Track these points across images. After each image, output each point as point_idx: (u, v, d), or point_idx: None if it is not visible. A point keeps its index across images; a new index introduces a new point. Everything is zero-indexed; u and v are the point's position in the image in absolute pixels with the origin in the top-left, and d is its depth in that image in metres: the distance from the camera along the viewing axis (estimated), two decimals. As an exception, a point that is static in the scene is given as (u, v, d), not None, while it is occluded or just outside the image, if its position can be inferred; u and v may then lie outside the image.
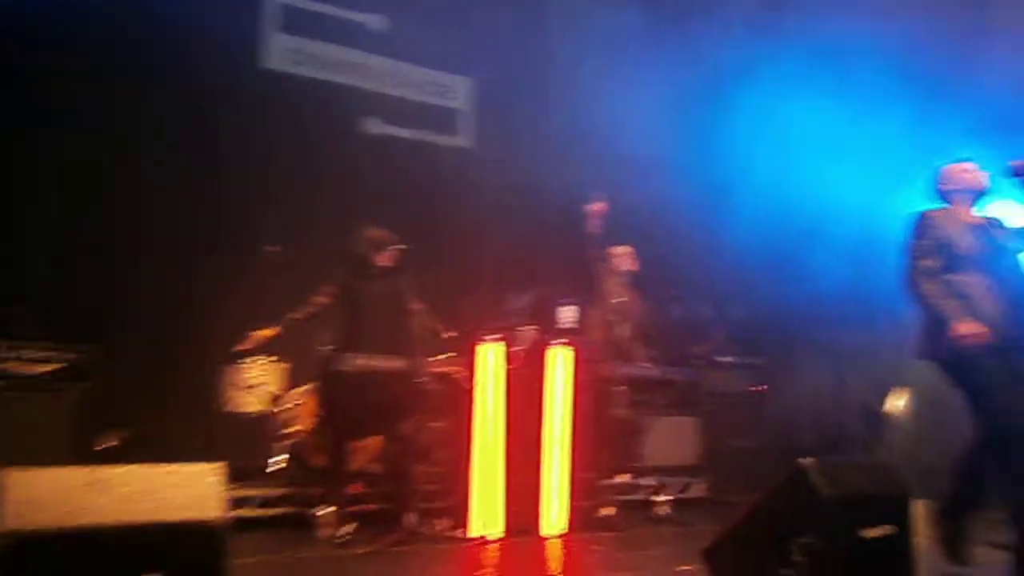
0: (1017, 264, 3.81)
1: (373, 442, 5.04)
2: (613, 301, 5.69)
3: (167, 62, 5.79)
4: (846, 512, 2.80)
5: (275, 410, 5.23)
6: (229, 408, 5.18)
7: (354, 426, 4.72)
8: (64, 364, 4.90)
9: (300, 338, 5.05)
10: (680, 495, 5.99)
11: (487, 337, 4.72)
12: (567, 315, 5.03)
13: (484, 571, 4.02)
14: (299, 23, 6.95)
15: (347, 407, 4.56)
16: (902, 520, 2.96)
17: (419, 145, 7.36)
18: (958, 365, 3.69)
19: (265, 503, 4.83)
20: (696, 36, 6.51)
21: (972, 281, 3.70)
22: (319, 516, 4.47)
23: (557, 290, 5.19)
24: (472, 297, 5.54)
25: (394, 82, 7.40)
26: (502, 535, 4.60)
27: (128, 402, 5.22)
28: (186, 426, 5.13)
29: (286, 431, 5.19)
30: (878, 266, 4.60)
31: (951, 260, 3.74)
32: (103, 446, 4.92)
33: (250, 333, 4.70)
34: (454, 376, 4.78)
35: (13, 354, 4.77)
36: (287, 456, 5.14)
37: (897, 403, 7.15)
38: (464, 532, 4.56)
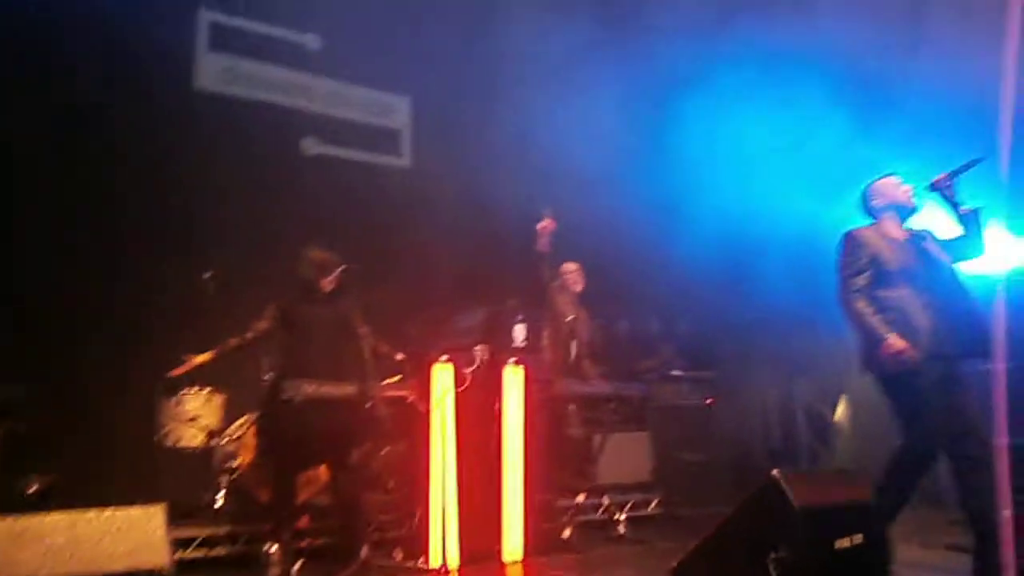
0: (950, 276, 3.84)
1: (321, 473, 4.84)
2: (567, 319, 5.63)
3: (92, 81, 5.54)
4: (819, 523, 2.75)
5: (216, 443, 4.98)
6: (168, 443, 4.92)
7: (301, 457, 4.52)
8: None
9: (239, 366, 4.86)
10: (634, 512, 5.93)
11: (439, 358, 4.59)
12: (520, 333, 4.94)
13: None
14: (232, 42, 6.76)
15: (295, 437, 4.35)
16: (874, 528, 2.93)
17: (360, 165, 7.22)
18: (892, 382, 3.75)
19: (209, 543, 4.57)
20: (640, 52, 6.56)
21: (905, 296, 3.73)
22: (267, 554, 4.24)
23: (508, 308, 5.09)
24: (421, 318, 5.40)
25: (333, 102, 7.26)
26: (460, 564, 4.44)
27: (56, 441, 4.90)
28: (122, 464, 4.86)
29: (228, 465, 4.94)
30: (824, 276, 4.63)
31: (882, 277, 3.77)
32: (31, 490, 4.59)
33: (184, 357, 4.45)
34: (406, 400, 4.62)
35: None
36: (229, 492, 4.89)
37: (843, 412, 7.28)
38: (424, 562, 4.39)
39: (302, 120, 7.02)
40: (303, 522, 4.75)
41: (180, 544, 4.29)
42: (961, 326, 3.63)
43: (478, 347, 4.91)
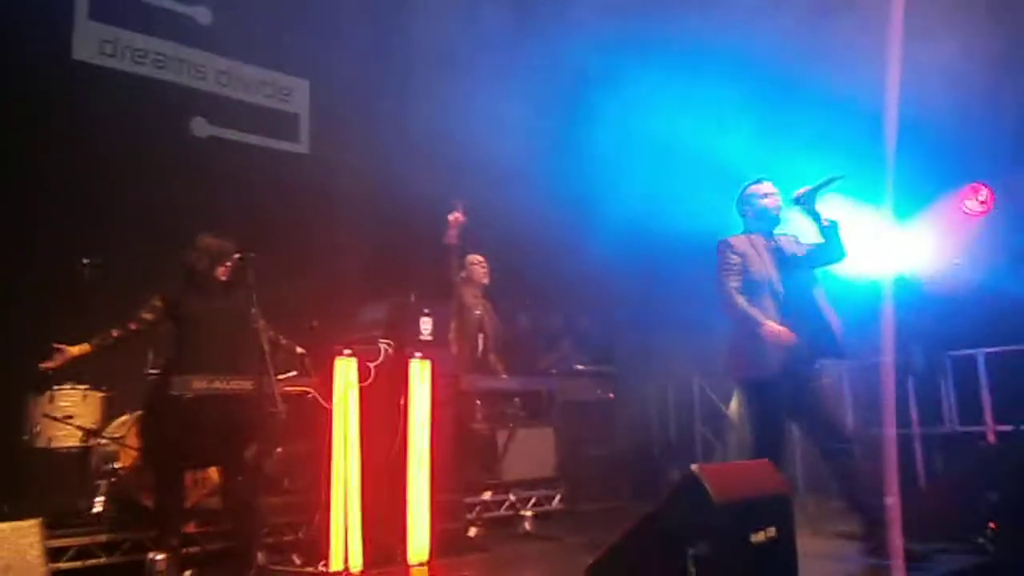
0: (808, 284, 4.10)
1: (212, 474, 4.54)
2: (475, 312, 5.52)
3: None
4: (737, 517, 2.75)
5: (94, 444, 4.59)
6: (39, 443, 4.52)
7: (190, 456, 4.23)
8: None
9: (120, 361, 4.52)
10: (538, 508, 5.88)
11: (342, 352, 4.38)
12: (427, 327, 4.78)
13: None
14: (114, 11, 6.28)
15: (183, 435, 4.06)
16: (784, 521, 2.95)
17: (255, 150, 6.88)
18: (749, 389, 4.12)
19: (86, 552, 4.21)
20: (553, 46, 6.51)
21: (768, 307, 4.00)
22: (152, 562, 3.93)
23: (413, 301, 4.92)
24: (322, 310, 5.15)
25: (225, 81, 6.87)
26: (363, 567, 4.25)
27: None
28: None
29: (108, 467, 4.57)
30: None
31: (748, 284, 4.05)
32: None
33: (57, 348, 4.04)
34: (307, 395, 4.39)
35: None
36: (108, 497, 4.53)
37: (736, 406, 7.47)
38: (325, 565, 4.17)
39: (191, 99, 6.64)
40: (191, 527, 4.47)
41: (54, 554, 3.90)
42: (813, 331, 3.96)
43: (383, 340, 4.72)
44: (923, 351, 6.08)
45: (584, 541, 4.81)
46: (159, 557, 3.97)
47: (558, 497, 6.19)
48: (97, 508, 4.49)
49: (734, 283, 4.03)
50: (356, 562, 4.22)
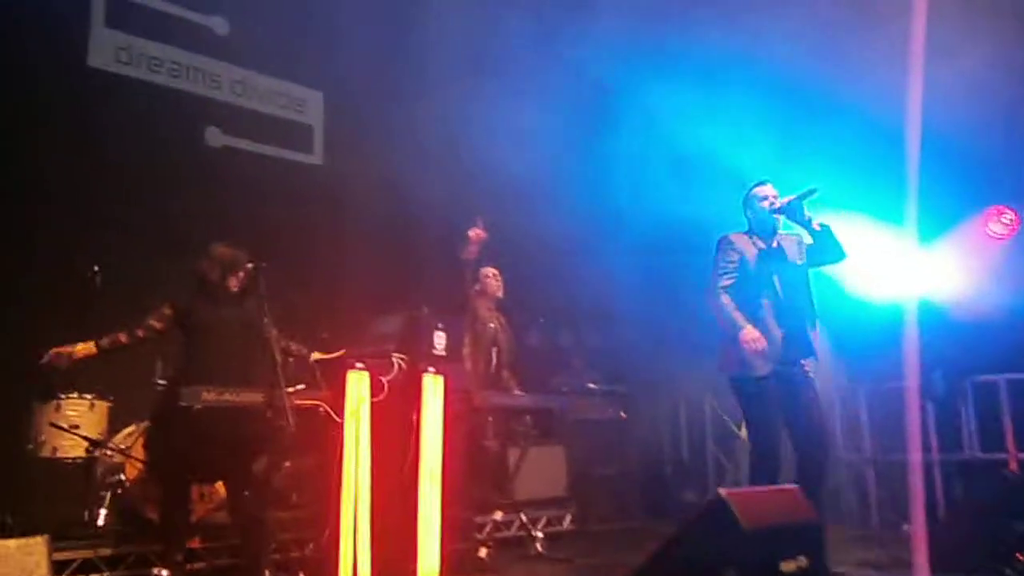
0: (803, 286, 4.10)
1: (218, 488, 4.45)
2: (489, 326, 5.44)
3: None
4: (767, 545, 2.64)
5: (99, 454, 4.50)
6: (43, 453, 4.44)
7: (197, 469, 4.15)
8: None
9: (127, 370, 4.48)
10: (549, 528, 5.77)
11: (355, 365, 4.29)
12: (441, 341, 4.69)
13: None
14: (131, 18, 6.26)
15: (191, 447, 3.97)
16: (816, 551, 2.85)
17: (270, 160, 6.84)
18: (740, 387, 4.05)
19: (89, 566, 4.13)
20: (572, 57, 6.46)
21: (763, 305, 3.98)
22: (157, 577, 3.85)
23: (426, 314, 4.84)
24: (333, 321, 5.08)
25: (241, 91, 6.84)
26: (372, 586, 4.14)
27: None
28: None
29: (113, 479, 4.48)
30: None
31: (745, 283, 4.04)
32: None
33: (59, 352, 3.92)
34: (318, 409, 4.30)
35: None
36: (113, 509, 4.45)
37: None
38: (331, 585, 4.07)
39: (206, 108, 6.61)
40: (197, 542, 4.38)
41: (57, 567, 3.81)
42: (801, 331, 3.96)
43: (396, 354, 4.63)
44: (943, 376, 5.98)
45: (596, 563, 4.71)
46: (164, 572, 3.91)
47: (569, 517, 6.08)
48: (101, 521, 4.42)
49: (725, 282, 4.04)
50: (366, 581, 4.12)
